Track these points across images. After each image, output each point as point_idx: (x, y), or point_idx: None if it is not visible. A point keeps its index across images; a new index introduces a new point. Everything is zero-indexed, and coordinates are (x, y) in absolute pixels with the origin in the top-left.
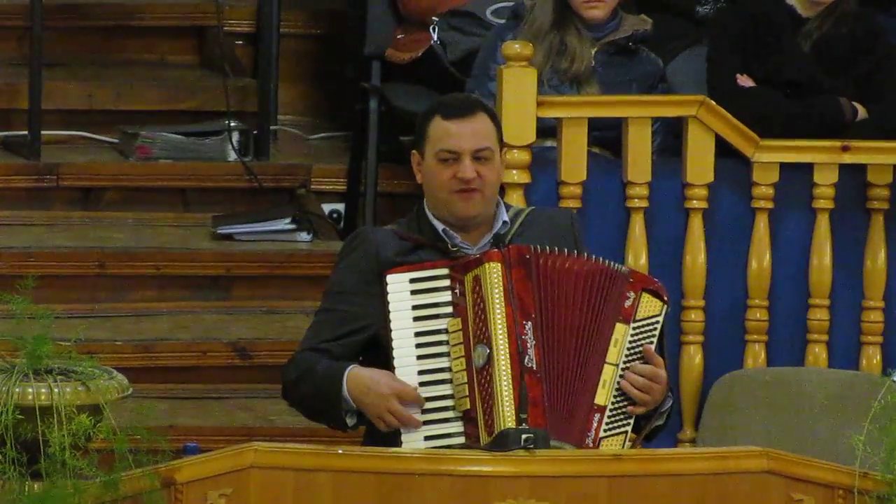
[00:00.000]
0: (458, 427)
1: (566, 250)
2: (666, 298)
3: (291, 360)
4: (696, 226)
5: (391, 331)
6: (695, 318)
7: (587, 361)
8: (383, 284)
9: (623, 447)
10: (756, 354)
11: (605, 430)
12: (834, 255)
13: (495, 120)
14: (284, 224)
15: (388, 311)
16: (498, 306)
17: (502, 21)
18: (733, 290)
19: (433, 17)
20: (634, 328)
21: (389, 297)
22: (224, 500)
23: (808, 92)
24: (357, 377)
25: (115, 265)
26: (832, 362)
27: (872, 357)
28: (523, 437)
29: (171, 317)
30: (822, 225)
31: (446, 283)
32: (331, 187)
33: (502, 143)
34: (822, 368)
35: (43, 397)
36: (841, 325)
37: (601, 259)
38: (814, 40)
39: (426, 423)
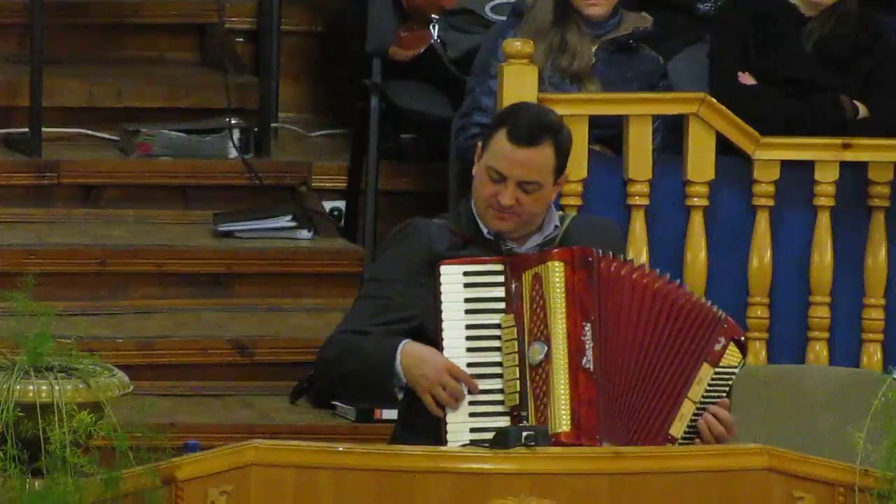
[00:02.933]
0: (505, 422)
1: (621, 256)
2: (745, 350)
3: (329, 340)
4: (697, 223)
5: (442, 321)
6: None
7: (660, 383)
8: (436, 275)
9: None
10: (757, 352)
11: None
12: (835, 252)
13: (561, 149)
14: (285, 221)
15: (440, 302)
16: (559, 305)
17: (501, 17)
18: (734, 288)
19: (433, 15)
20: (717, 373)
21: (442, 288)
22: (225, 497)
23: (809, 90)
24: (412, 350)
25: (115, 262)
26: (833, 360)
27: (873, 354)
28: (524, 434)
29: (172, 314)
30: (823, 222)
31: (500, 278)
32: (331, 185)
33: (562, 171)
34: (822, 366)
35: (44, 394)
36: (842, 323)
37: (679, 283)
38: (815, 39)
39: (472, 415)
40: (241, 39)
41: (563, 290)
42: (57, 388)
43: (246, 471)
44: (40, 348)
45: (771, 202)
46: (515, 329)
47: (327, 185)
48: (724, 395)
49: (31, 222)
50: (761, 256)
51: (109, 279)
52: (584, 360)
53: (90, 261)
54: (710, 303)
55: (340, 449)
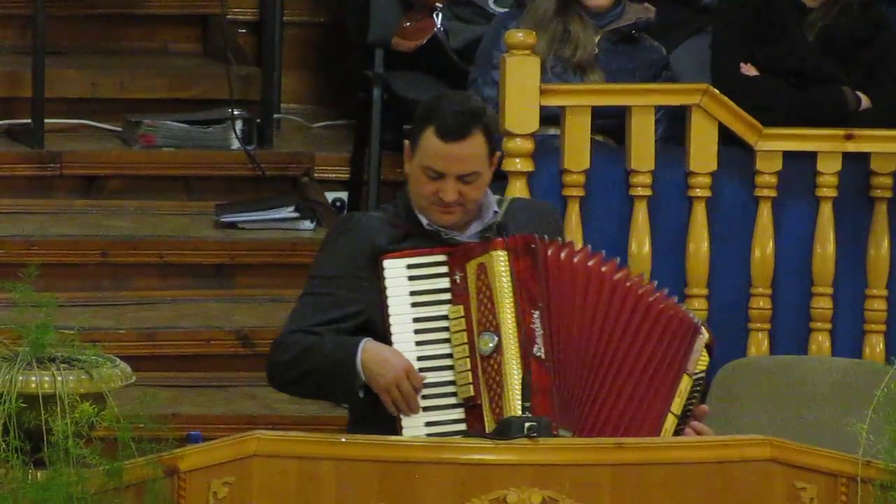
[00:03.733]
0: (459, 414)
1: (560, 240)
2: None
3: (279, 342)
4: (700, 214)
5: (389, 316)
6: (698, 306)
7: (641, 394)
8: (380, 269)
9: None
10: (759, 343)
11: None
12: (837, 243)
13: (489, 133)
14: (288, 212)
15: (386, 297)
16: (506, 294)
17: (504, 9)
18: (736, 279)
19: (437, 4)
20: (694, 381)
21: (387, 283)
22: (227, 488)
23: (811, 81)
24: (375, 349)
25: (118, 253)
26: (835, 351)
27: (876, 345)
28: (526, 425)
29: (174, 305)
30: (826, 213)
31: (444, 269)
32: (334, 175)
33: (494, 152)
34: (825, 357)
35: (46, 385)
36: (844, 314)
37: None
38: (818, 30)
39: (426, 408)
40: (243, 30)
41: (508, 279)
42: (59, 378)
43: (248, 462)
44: (42, 339)
45: (773, 193)
46: (464, 320)
47: (330, 175)
48: (697, 401)
49: (33, 213)
50: (763, 247)
51: (112, 270)
52: (535, 348)
53: (92, 251)
54: (682, 306)
55: (343, 440)
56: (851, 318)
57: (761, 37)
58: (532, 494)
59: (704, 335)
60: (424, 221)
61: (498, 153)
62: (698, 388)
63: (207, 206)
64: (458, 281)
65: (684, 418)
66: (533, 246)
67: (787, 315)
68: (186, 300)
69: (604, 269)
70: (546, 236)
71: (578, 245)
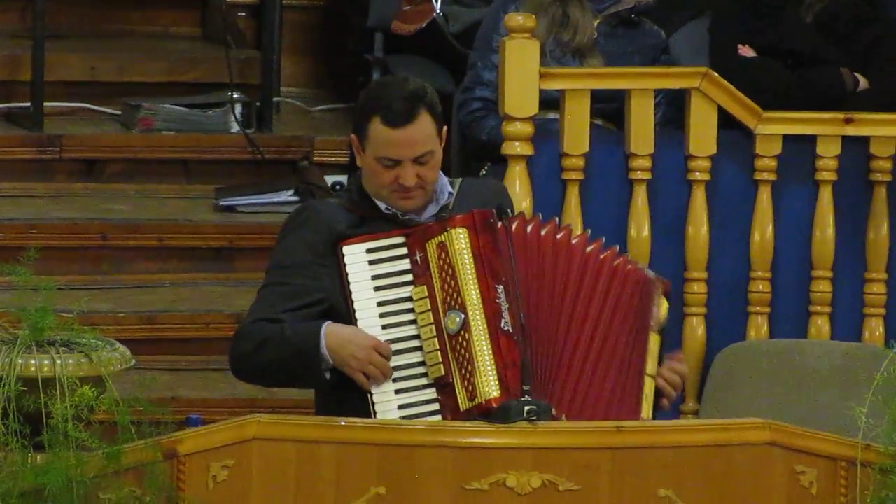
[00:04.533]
0: (431, 394)
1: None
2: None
3: (240, 333)
4: (699, 198)
5: (353, 302)
6: (697, 290)
7: (615, 359)
8: (339, 256)
9: None
10: (759, 326)
11: None
12: (837, 227)
13: (435, 112)
14: (287, 196)
15: (348, 283)
16: (468, 271)
17: None
18: (736, 262)
19: None
20: (661, 334)
21: (348, 269)
22: (226, 471)
23: (809, 63)
24: (336, 332)
25: (117, 237)
26: (835, 334)
27: (875, 329)
28: (526, 409)
29: (174, 288)
30: (825, 197)
31: (403, 251)
32: (333, 159)
33: (441, 127)
34: (824, 340)
35: (45, 369)
36: (844, 297)
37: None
38: (815, 12)
39: (398, 391)
40: (243, 14)
41: (470, 255)
42: (59, 362)
43: (248, 445)
44: (42, 323)
45: (773, 177)
46: (428, 300)
47: (330, 159)
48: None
49: (32, 196)
50: (763, 231)
51: (111, 253)
52: (502, 322)
53: (92, 235)
54: (637, 262)
55: (342, 423)
56: (851, 301)
57: (759, 19)
58: (531, 478)
59: (659, 286)
60: (382, 206)
61: (444, 127)
62: (665, 335)
63: (207, 190)
64: (418, 262)
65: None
66: (491, 220)
67: (787, 299)
68: (186, 284)
69: (574, 241)
70: (509, 211)
71: (578, 230)
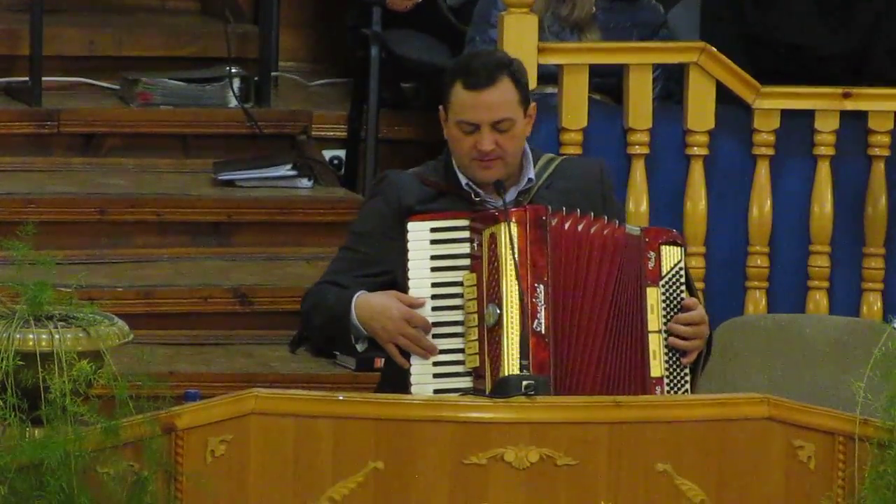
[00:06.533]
0: (467, 382)
1: (578, 211)
2: (681, 240)
3: (308, 291)
4: (697, 172)
5: (409, 279)
6: (695, 264)
7: (623, 333)
8: (405, 231)
9: None
10: (757, 301)
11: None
12: (835, 201)
13: (519, 81)
14: (285, 170)
15: (407, 260)
16: (511, 267)
17: None
18: (734, 237)
19: None
20: (664, 286)
21: (409, 245)
22: (224, 446)
23: (807, 56)
24: (366, 302)
25: (115, 211)
26: (833, 309)
27: (873, 304)
28: (524, 383)
29: (172, 263)
30: (823, 171)
31: (466, 234)
32: (332, 134)
33: (528, 101)
34: (822, 315)
35: (44, 343)
36: (842, 272)
37: (615, 221)
38: None
39: (436, 375)
40: None
41: (515, 251)
42: (57, 336)
43: (246, 420)
44: (40, 297)
45: (771, 151)
46: (475, 288)
47: (328, 133)
48: (683, 296)
49: (31, 171)
50: (761, 206)
51: (109, 228)
52: (535, 324)
53: (90, 209)
54: (625, 226)
55: (340, 398)
56: (849, 276)
57: (755, 2)
58: (529, 452)
59: (652, 238)
60: (463, 181)
61: (533, 103)
62: (678, 285)
63: (205, 164)
64: (476, 248)
65: (667, 325)
66: (544, 218)
67: (785, 273)
68: (184, 258)
69: (605, 232)
70: (579, 207)
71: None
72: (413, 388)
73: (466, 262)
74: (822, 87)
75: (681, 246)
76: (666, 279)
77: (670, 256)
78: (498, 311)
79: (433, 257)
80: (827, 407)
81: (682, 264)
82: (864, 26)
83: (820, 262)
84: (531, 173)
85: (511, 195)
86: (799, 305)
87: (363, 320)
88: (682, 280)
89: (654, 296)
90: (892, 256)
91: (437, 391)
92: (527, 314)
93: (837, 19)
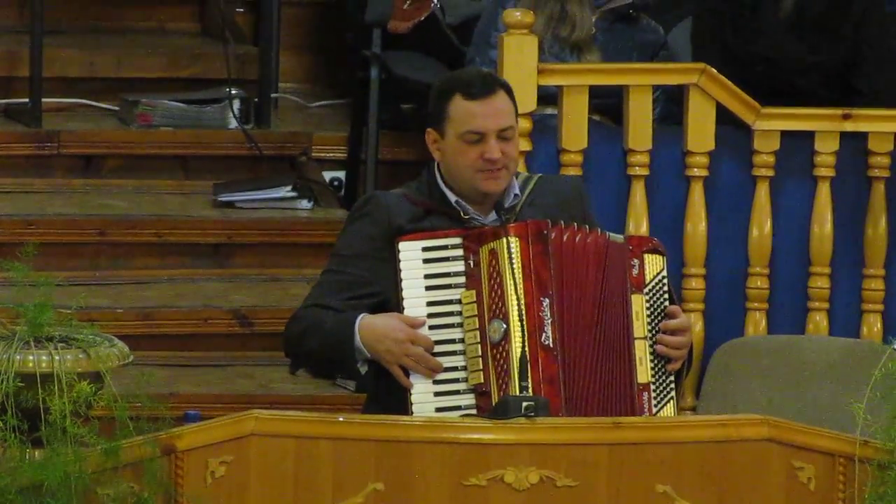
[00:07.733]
0: (469, 400)
1: (575, 224)
2: (662, 249)
3: (294, 315)
4: (697, 194)
5: (403, 299)
6: (695, 285)
7: (611, 342)
8: (395, 251)
9: (675, 413)
10: (757, 322)
11: (656, 405)
12: (835, 222)
13: (512, 95)
14: (285, 192)
15: (401, 280)
16: (516, 282)
17: None
18: (734, 258)
19: None
20: (647, 293)
21: (402, 265)
22: (224, 467)
23: (786, 69)
24: (370, 325)
25: (115, 233)
26: (833, 330)
27: (873, 325)
28: (524, 405)
29: (172, 284)
30: (823, 193)
31: (459, 252)
32: (332, 155)
33: (517, 116)
34: (822, 336)
35: (44, 365)
36: (842, 293)
37: (599, 230)
38: (790, 7)
39: (437, 394)
40: (241, 9)
41: (518, 265)
42: (57, 358)
43: (246, 441)
44: (40, 318)
45: (771, 172)
46: (475, 305)
47: (327, 155)
48: (667, 303)
49: (31, 192)
50: (761, 227)
51: (109, 249)
52: (543, 337)
53: (90, 231)
54: (608, 234)
55: (340, 419)
56: (849, 297)
57: (735, 20)
58: (529, 473)
59: (636, 246)
60: (452, 199)
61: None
62: (662, 294)
63: (205, 186)
64: (472, 265)
65: (653, 333)
66: (545, 232)
67: (785, 294)
68: (184, 279)
69: (598, 242)
70: (562, 222)
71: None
72: (414, 408)
73: (461, 280)
74: (822, 108)
75: (663, 255)
76: (650, 286)
77: (654, 264)
78: (504, 326)
79: (427, 276)
80: (827, 428)
81: (664, 272)
82: (845, 39)
83: (820, 284)
84: (516, 189)
85: (493, 215)
86: (799, 326)
87: (368, 343)
88: (665, 288)
89: (639, 303)
90: (893, 278)
91: (438, 410)
92: (535, 328)
93: (816, 34)
